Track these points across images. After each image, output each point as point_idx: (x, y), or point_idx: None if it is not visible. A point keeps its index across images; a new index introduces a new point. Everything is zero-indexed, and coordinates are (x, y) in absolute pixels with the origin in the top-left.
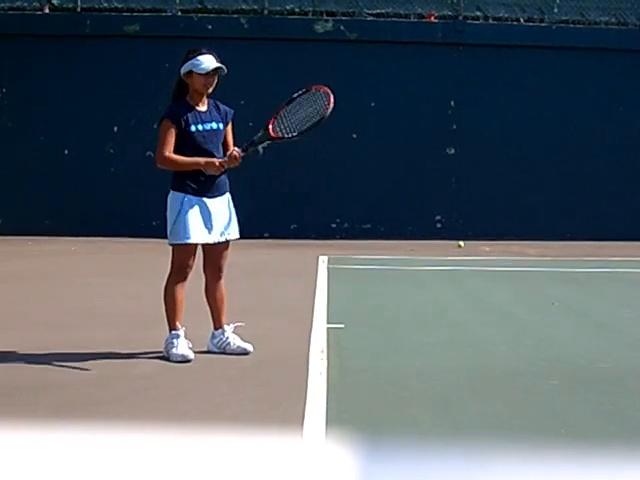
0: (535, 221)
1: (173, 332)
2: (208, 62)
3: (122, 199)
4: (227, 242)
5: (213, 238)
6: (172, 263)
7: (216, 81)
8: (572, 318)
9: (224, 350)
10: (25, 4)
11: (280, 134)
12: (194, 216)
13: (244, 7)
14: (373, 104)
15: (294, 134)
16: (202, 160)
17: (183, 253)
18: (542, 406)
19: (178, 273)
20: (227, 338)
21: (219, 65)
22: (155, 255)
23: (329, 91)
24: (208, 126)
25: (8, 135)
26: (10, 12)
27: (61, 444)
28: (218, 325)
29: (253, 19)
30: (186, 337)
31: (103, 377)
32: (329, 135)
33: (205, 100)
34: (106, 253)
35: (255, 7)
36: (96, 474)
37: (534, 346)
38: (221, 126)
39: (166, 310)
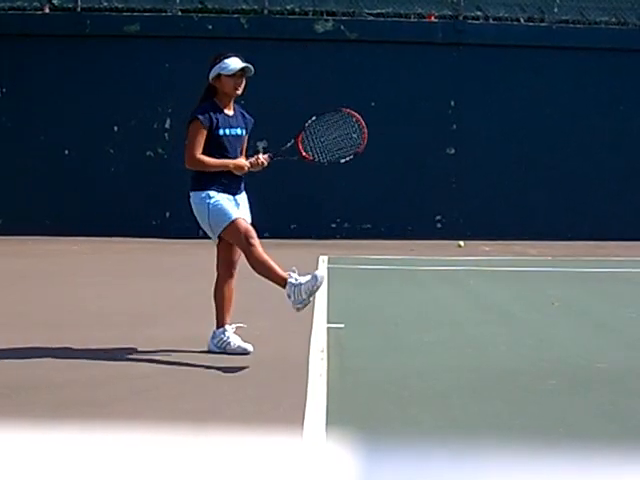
0: (535, 220)
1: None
2: (235, 64)
3: (122, 199)
4: None
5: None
6: (239, 242)
7: (244, 83)
8: (572, 318)
9: (224, 350)
10: (25, 4)
11: (311, 156)
12: (225, 200)
13: (244, 7)
14: (373, 104)
15: (324, 160)
16: (231, 162)
17: (238, 226)
18: (542, 406)
19: (248, 242)
20: (228, 338)
21: (246, 64)
22: (155, 255)
23: (363, 123)
24: (234, 131)
25: (8, 135)
26: (10, 12)
27: (60, 444)
28: (221, 323)
29: (253, 19)
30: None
31: (103, 377)
32: None
33: (232, 105)
34: (106, 252)
35: (255, 7)
36: (95, 474)
37: (534, 346)
38: (244, 132)
39: (268, 274)
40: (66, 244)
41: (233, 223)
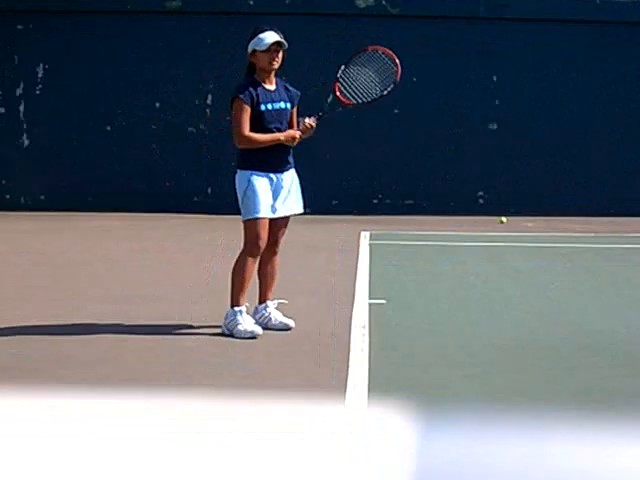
0: (579, 196)
1: (236, 308)
2: (268, 38)
3: (163, 175)
4: (288, 217)
5: (280, 212)
6: (246, 240)
7: (281, 57)
8: (616, 294)
9: (266, 325)
10: None
11: (352, 100)
12: (262, 191)
13: None
14: (415, 79)
15: (367, 100)
16: (281, 135)
17: (255, 228)
18: (585, 381)
19: (252, 248)
20: (269, 313)
21: (278, 39)
22: (197, 231)
23: (391, 53)
24: (277, 105)
25: (51, 112)
26: None
27: (108, 411)
28: (263, 299)
29: None
30: (248, 313)
31: (147, 351)
32: (371, 110)
33: (273, 79)
34: (148, 229)
35: None
36: (150, 439)
37: (576, 322)
38: (289, 106)
39: (232, 285)
40: (108, 220)
41: (256, 220)
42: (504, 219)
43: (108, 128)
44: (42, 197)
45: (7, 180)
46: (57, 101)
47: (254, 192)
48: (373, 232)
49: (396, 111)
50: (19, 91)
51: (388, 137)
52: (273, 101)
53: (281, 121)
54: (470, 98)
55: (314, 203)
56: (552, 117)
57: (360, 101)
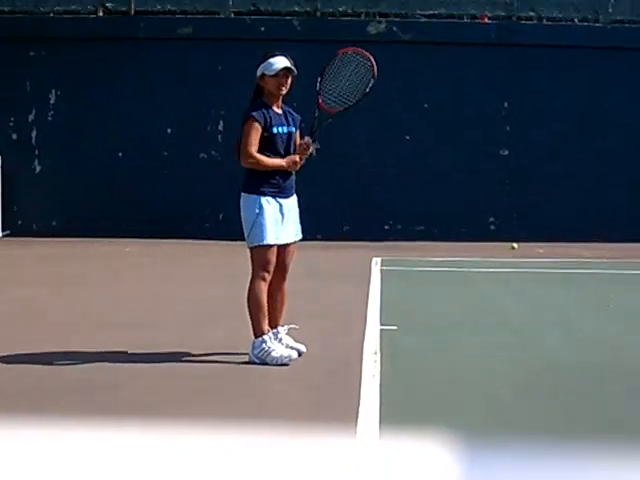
0: (590, 222)
1: (262, 337)
2: (279, 63)
3: (175, 201)
4: (295, 242)
5: (289, 238)
6: (254, 266)
7: (289, 83)
8: (627, 320)
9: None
10: (79, 8)
11: (340, 107)
12: (272, 217)
13: (297, 9)
14: (426, 105)
15: (351, 102)
16: (284, 161)
17: (265, 254)
18: (596, 410)
19: (263, 274)
20: (280, 339)
21: (287, 65)
22: (208, 257)
23: (361, 50)
24: (287, 129)
25: (63, 138)
26: (65, 15)
27: (117, 443)
28: (273, 324)
29: (306, 21)
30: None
31: (159, 378)
32: (382, 136)
33: (279, 103)
34: (159, 254)
35: (308, 9)
36: (156, 471)
37: (589, 349)
38: (294, 130)
39: (251, 315)
40: (119, 246)
41: (264, 247)
42: (515, 245)
43: (120, 154)
44: (54, 223)
45: (19, 206)
46: (69, 127)
47: (264, 218)
48: (384, 258)
49: (407, 137)
50: (31, 117)
51: (399, 163)
52: (282, 125)
53: (289, 145)
54: (481, 124)
55: (325, 229)
56: (564, 142)
57: (347, 105)
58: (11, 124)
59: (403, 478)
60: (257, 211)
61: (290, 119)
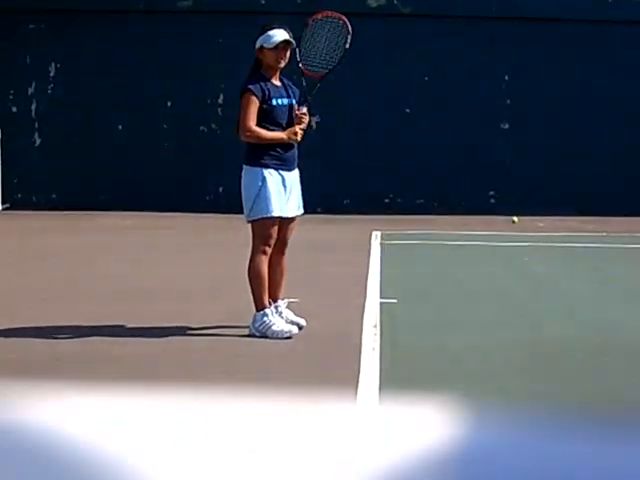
0: (590, 196)
1: (264, 311)
2: (278, 36)
3: (175, 174)
4: (297, 217)
5: (292, 212)
6: (255, 239)
7: (288, 55)
8: (626, 294)
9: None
10: None
11: (324, 70)
12: (275, 190)
13: None
14: (427, 78)
15: (335, 62)
16: (284, 134)
17: (268, 227)
18: (595, 382)
19: (264, 247)
20: (280, 312)
21: (287, 38)
22: (209, 230)
23: (330, 12)
24: (286, 101)
25: (61, 111)
26: None
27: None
28: (273, 298)
29: None
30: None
31: (157, 351)
32: (382, 109)
33: (278, 76)
34: (159, 228)
35: None
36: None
37: (587, 323)
38: (294, 102)
39: (253, 288)
40: (119, 219)
41: (268, 220)
42: (515, 219)
43: (120, 127)
44: (54, 196)
45: (19, 179)
46: (69, 100)
47: (268, 190)
48: (384, 231)
49: (407, 110)
50: (31, 90)
51: (400, 136)
52: (282, 97)
53: (289, 116)
54: (482, 97)
55: (326, 202)
56: (564, 116)
57: (330, 66)
58: (11, 97)
59: (403, 441)
60: (260, 184)
61: (290, 91)
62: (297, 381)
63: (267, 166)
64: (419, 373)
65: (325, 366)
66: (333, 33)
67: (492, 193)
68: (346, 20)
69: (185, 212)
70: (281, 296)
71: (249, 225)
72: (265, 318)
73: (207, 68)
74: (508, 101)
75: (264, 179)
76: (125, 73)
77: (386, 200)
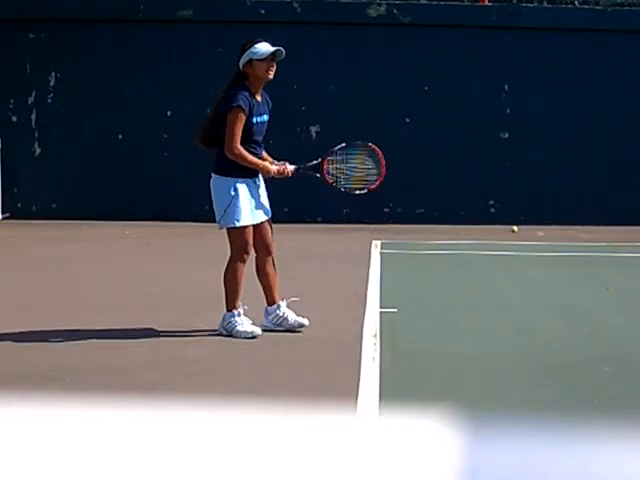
0: (590, 205)
1: (233, 311)
2: (266, 47)
3: (174, 183)
4: (269, 219)
5: (262, 217)
6: (233, 247)
7: (275, 67)
8: (626, 304)
9: (280, 325)
10: None
11: (331, 180)
12: (246, 198)
13: None
14: (426, 88)
15: (341, 187)
16: (261, 164)
17: (242, 235)
18: (595, 392)
19: (241, 255)
20: (283, 313)
21: (278, 48)
22: (208, 239)
23: (383, 162)
24: (262, 118)
25: (62, 120)
26: None
27: (117, 422)
28: (272, 301)
29: (306, 3)
30: (245, 315)
31: (156, 360)
32: (382, 119)
33: (260, 90)
34: (159, 237)
35: None
36: (161, 451)
37: (587, 332)
38: (267, 117)
39: (226, 291)
40: (119, 228)
41: (243, 229)
42: (515, 228)
43: (120, 136)
44: (53, 205)
45: (19, 188)
46: (69, 109)
47: (239, 200)
48: (384, 241)
49: (407, 120)
50: (31, 99)
51: (399, 146)
52: (260, 114)
53: (263, 133)
54: (481, 107)
55: (325, 212)
56: (563, 126)
57: (335, 185)
58: (11, 106)
59: (403, 452)
60: (232, 193)
61: (267, 107)
62: (297, 391)
63: (238, 176)
64: (419, 383)
65: (325, 376)
66: (365, 174)
67: (492, 202)
68: (377, 183)
69: (184, 221)
70: (279, 296)
71: (224, 231)
72: (232, 319)
73: (207, 77)
74: (508, 110)
75: (236, 190)
76: (125, 82)
77: (386, 209)
